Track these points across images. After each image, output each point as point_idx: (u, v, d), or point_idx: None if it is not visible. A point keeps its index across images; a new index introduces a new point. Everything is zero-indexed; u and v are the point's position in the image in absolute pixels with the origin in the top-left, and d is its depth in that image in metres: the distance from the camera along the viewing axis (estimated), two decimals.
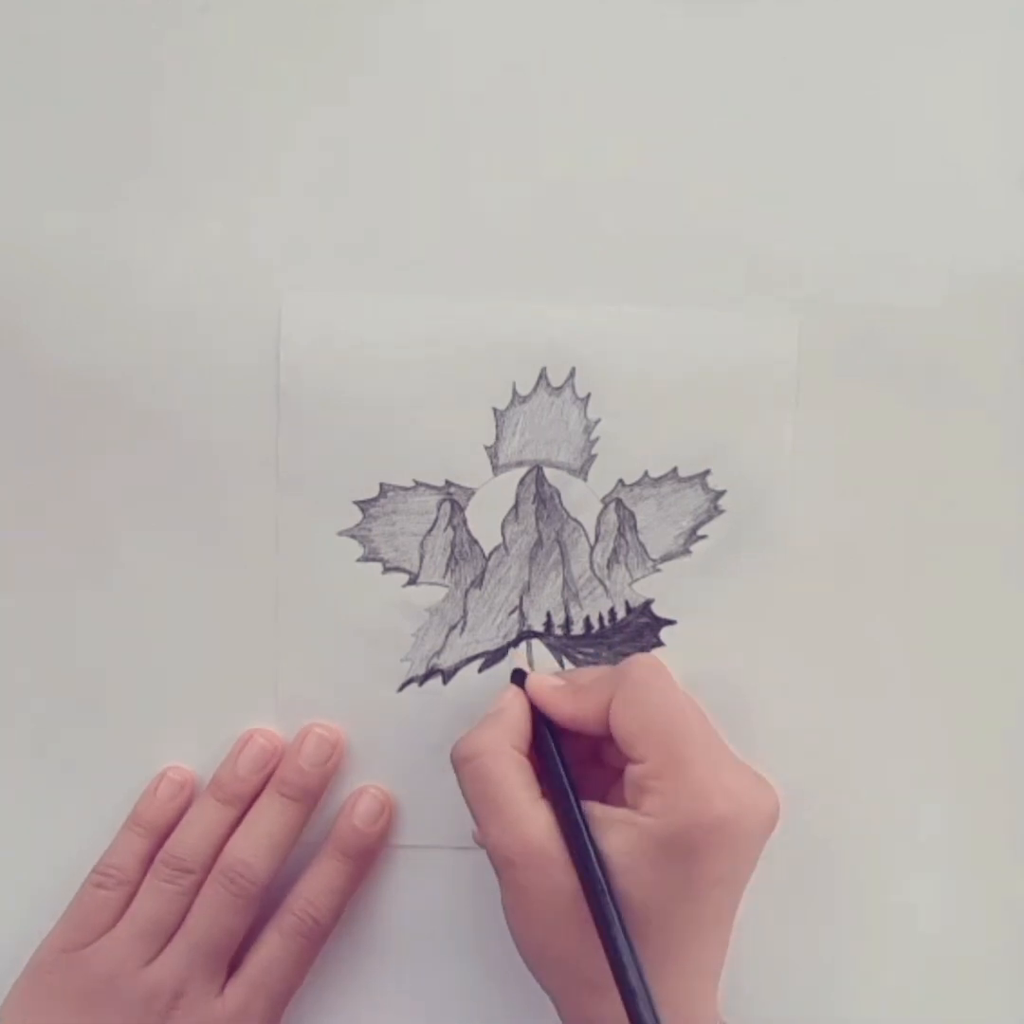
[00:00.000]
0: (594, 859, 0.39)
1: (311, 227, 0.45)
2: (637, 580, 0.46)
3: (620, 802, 0.40)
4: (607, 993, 0.38)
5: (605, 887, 0.38)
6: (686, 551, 0.46)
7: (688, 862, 0.39)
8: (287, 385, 0.45)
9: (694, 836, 0.38)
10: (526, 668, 0.45)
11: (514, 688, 0.43)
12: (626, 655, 0.46)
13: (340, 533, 0.46)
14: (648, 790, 0.39)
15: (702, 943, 0.40)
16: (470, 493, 0.46)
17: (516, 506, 0.46)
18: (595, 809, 0.40)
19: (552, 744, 0.42)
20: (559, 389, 0.46)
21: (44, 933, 0.44)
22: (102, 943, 0.44)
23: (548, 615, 0.46)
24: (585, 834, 0.39)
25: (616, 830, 0.39)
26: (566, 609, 0.46)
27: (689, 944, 0.40)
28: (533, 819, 0.40)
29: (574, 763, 0.42)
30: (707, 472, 0.46)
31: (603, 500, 0.46)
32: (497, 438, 0.46)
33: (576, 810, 0.40)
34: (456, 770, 0.41)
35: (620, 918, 0.38)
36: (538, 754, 0.42)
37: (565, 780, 0.41)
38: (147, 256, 0.45)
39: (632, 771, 0.40)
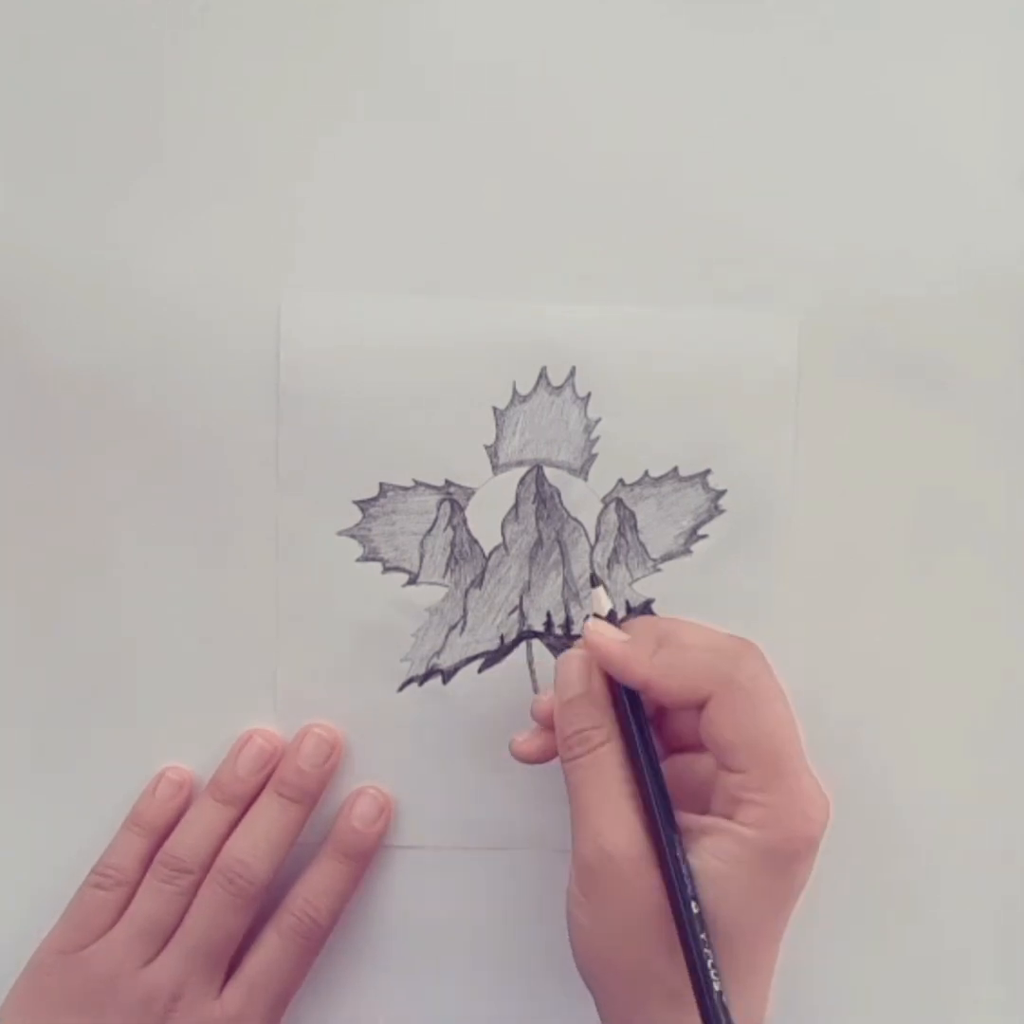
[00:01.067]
0: (686, 870, 0.38)
1: (311, 227, 0.45)
2: (637, 580, 0.46)
3: (681, 781, 0.40)
4: (683, 1004, 0.37)
5: (692, 896, 0.37)
6: (686, 551, 0.46)
7: (783, 875, 0.38)
8: (287, 385, 0.45)
9: (795, 849, 0.38)
10: (604, 609, 0.41)
11: (583, 658, 0.40)
12: None
13: (340, 533, 0.46)
14: (747, 802, 0.38)
15: (773, 953, 0.40)
16: (470, 493, 0.46)
17: (516, 506, 0.46)
18: (684, 817, 0.39)
19: (649, 742, 0.39)
20: (559, 389, 0.46)
21: (43, 933, 0.44)
22: (100, 944, 0.44)
23: (548, 615, 0.46)
24: (679, 845, 0.38)
25: (710, 838, 0.38)
26: (566, 609, 0.46)
27: (770, 954, 0.39)
28: (637, 819, 0.38)
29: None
30: (707, 472, 0.46)
31: (603, 500, 0.46)
32: (497, 438, 0.46)
33: (671, 817, 0.38)
34: (575, 756, 0.39)
35: (705, 927, 0.37)
36: (622, 738, 0.40)
37: (658, 785, 0.39)
38: (147, 256, 0.45)
39: (728, 780, 0.38)
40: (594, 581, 0.42)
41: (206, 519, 0.46)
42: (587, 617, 0.41)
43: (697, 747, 0.41)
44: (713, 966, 0.37)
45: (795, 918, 0.46)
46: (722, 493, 0.46)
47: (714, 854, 0.38)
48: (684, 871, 0.38)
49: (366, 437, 0.45)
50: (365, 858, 0.45)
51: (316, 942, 0.45)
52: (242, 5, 0.45)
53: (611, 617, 0.41)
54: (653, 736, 0.41)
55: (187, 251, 0.45)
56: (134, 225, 0.45)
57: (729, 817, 0.38)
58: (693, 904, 0.37)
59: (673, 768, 0.42)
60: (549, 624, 0.46)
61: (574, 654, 0.41)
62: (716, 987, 0.37)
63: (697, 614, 0.46)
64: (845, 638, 0.46)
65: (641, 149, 0.46)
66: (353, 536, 0.46)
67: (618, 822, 0.38)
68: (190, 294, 0.45)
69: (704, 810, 0.39)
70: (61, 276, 0.45)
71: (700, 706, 0.39)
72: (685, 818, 0.39)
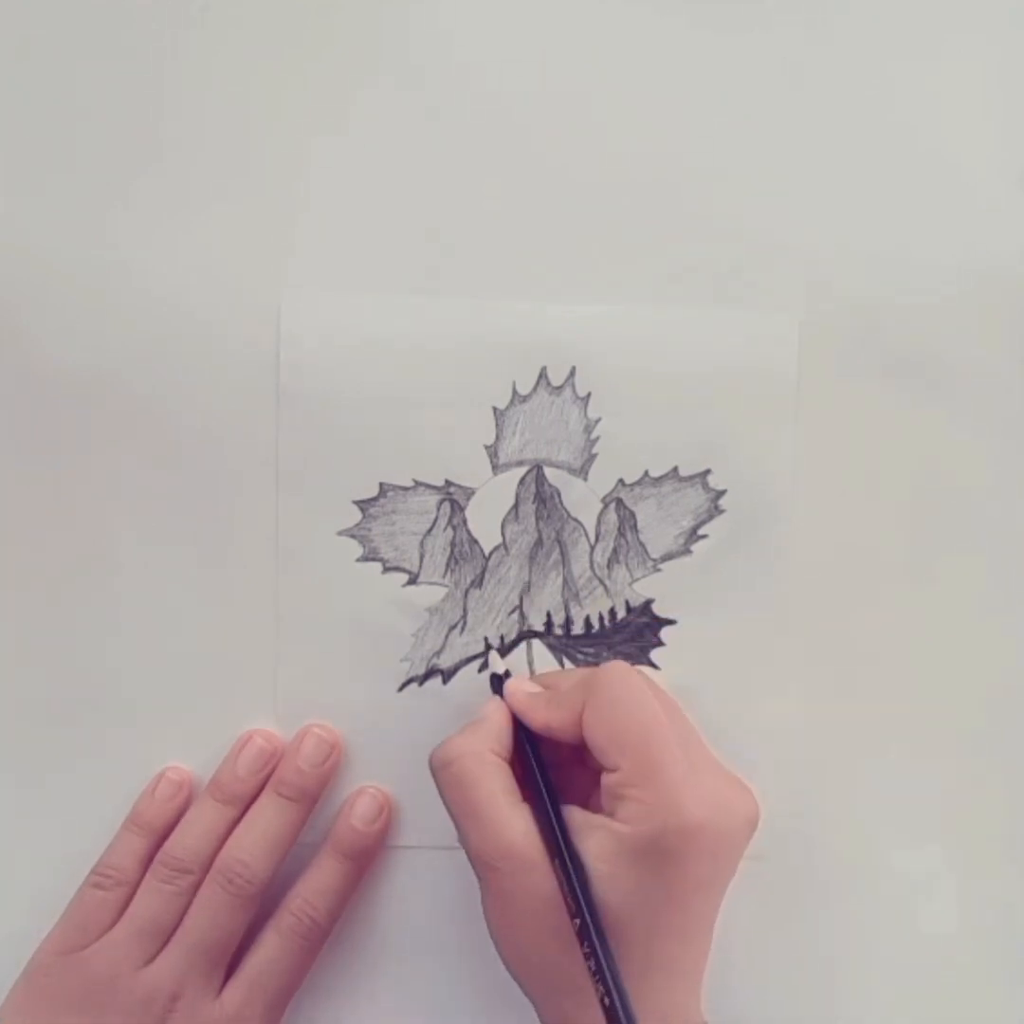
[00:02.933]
0: (571, 863, 0.39)
1: (311, 227, 0.45)
2: (637, 580, 0.46)
3: (600, 808, 0.40)
4: (588, 998, 0.38)
5: (581, 891, 0.38)
6: (686, 551, 0.46)
7: (665, 868, 0.39)
8: (287, 385, 0.45)
9: (670, 842, 0.38)
10: (499, 671, 0.45)
11: (497, 698, 0.44)
12: (626, 655, 0.46)
13: (340, 533, 0.46)
14: (623, 798, 0.39)
15: (684, 948, 0.40)
16: (470, 493, 0.46)
17: (516, 506, 0.46)
18: (575, 815, 0.40)
19: (529, 749, 0.42)
20: (559, 388, 0.46)
21: (43, 933, 0.44)
22: (100, 944, 0.44)
23: (548, 615, 0.46)
24: (562, 838, 0.39)
25: (594, 836, 0.39)
26: (566, 609, 0.46)
27: (671, 949, 0.40)
28: (513, 823, 0.40)
29: (559, 767, 0.42)
30: (707, 472, 0.46)
31: (603, 500, 0.46)
32: (497, 438, 0.46)
33: (553, 814, 0.40)
34: (435, 776, 0.42)
35: (597, 921, 0.38)
36: (518, 762, 0.42)
37: (542, 785, 0.41)
38: (147, 256, 0.45)
39: (607, 779, 0.40)
40: (487, 647, 0.46)
41: (206, 519, 0.46)
42: (493, 679, 0.44)
43: None
44: (604, 956, 0.38)
45: (793, 920, 0.47)
46: (722, 493, 0.46)
47: (595, 852, 0.39)
48: (570, 862, 0.39)
49: (366, 437, 0.45)
50: (365, 858, 0.45)
51: (316, 942, 0.45)
52: (242, 5, 0.45)
53: (506, 675, 0.44)
54: (582, 770, 0.42)
55: (187, 251, 0.45)
56: (134, 225, 0.45)
57: (612, 815, 0.39)
58: (579, 898, 0.38)
59: (579, 787, 0.42)
60: (549, 624, 0.46)
61: (491, 697, 0.44)
62: (609, 978, 0.37)
63: (697, 614, 0.46)
64: (845, 638, 0.46)
65: (641, 149, 0.46)
66: (353, 536, 0.46)
67: (494, 832, 0.40)
68: (190, 294, 0.45)
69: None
70: (61, 276, 0.45)
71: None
72: (577, 817, 0.40)
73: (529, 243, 0.46)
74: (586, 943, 0.38)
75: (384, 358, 0.45)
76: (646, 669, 0.46)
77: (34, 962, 0.44)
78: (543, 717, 0.42)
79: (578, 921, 0.38)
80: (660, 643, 0.46)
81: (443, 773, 0.41)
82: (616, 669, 0.42)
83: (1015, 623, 0.47)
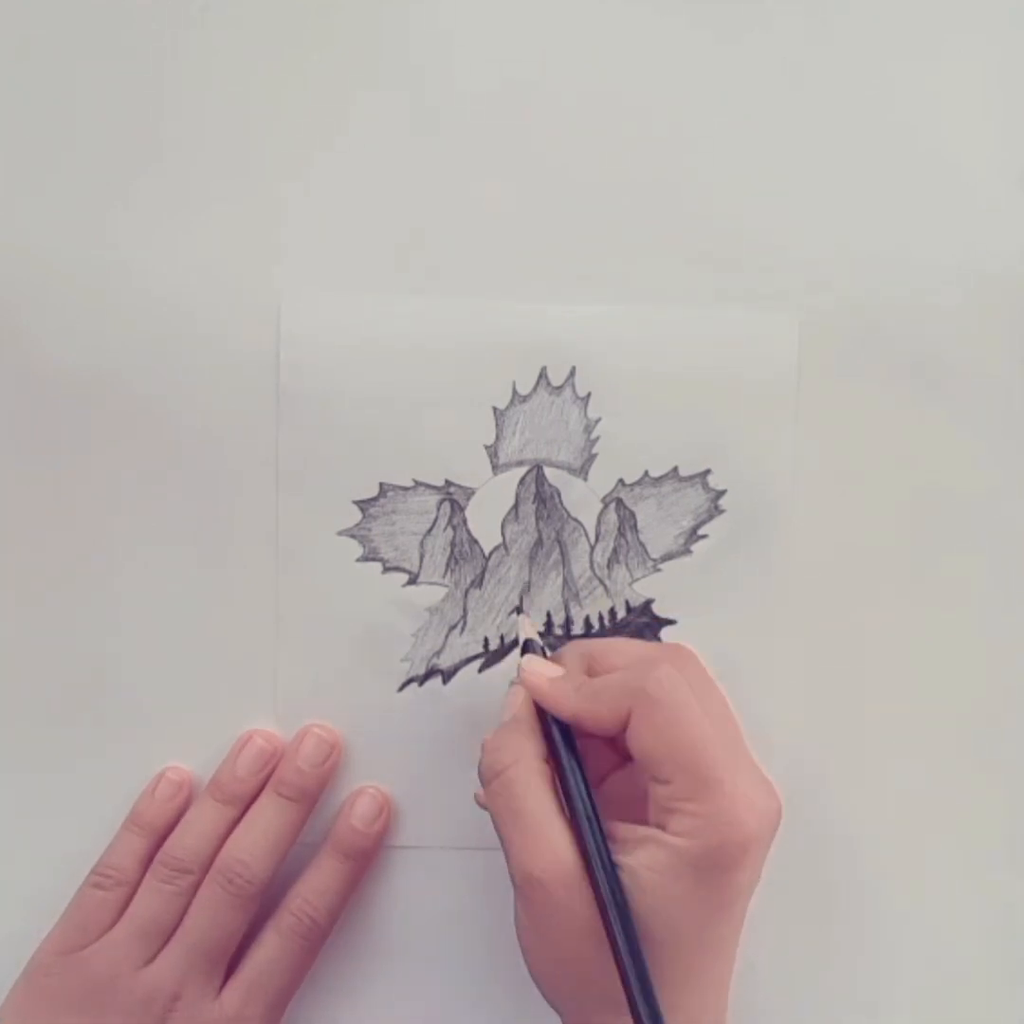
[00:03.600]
0: (616, 880, 0.38)
1: (311, 227, 0.45)
2: (637, 580, 0.46)
3: (630, 795, 0.40)
4: (625, 1012, 0.37)
5: (617, 909, 0.37)
6: (686, 551, 0.46)
7: (719, 880, 0.38)
8: (287, 385, 0.45)
9: (727, 855, 0.38)
10: (533, 637, 0.43)
11: (525, 690, 0.41)
12: None
13: (340, 533, 0.46)
14: (675, 811, 0.38)
15: (719, 958, 0.40)
16: (470, 493, 0.46)
17: (516, 506, 0.46)
18: (618, 828, 0.39)
19: (571, 761, 0.40)
20: (559, 388, 0.46)
21: (43, 933, 0.44)
22: (100, 945, 0.44)
23: (548, 615, 0.46)
24: (608, 859, 0.38)
25: (644, 849, 0.38)
26: (566, 609, 0.46)
27: (712, 959, 0.39)
28: (562, 837, 0.38)
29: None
30: (707, 472, 0.46)
31: (603, 500, 0.46)
32: (497, 438, 0.46)
33: (599, 833, 0.38)
34: (486, 783, 0.40)
35: (634, 936, 0.37)
36: (552, 761, 0.40)
37: (587, 800, 0.39)
38: (147, 256, 0.45)
39: (657, 791, 0.38)
40: (517, 610, 0.44)
41: (206, 519, 0.46)
42: (523, 646, 0.42)
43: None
44: (645, 975, 0.37)
45: (792, 920, 0.47)
46: (722, 493, 0.46)
47: (646, 864, 0.38)
48: (608, 880, 0.37)
49: (366, 437, 0.45)
50: (365, 858, 0.45)
51: (315, 942, 0.45)
52: (242, 5, 0.45)
53: (536, 643, 0.42)
54: (605, 747, 0.41)
55: (187, 251, 0.45)
56: (134, 225, 0.45)
57: (662, 827, 0.38)
58: (617, 912, 0.37)
59: (618, 782, 0.42)
60: (549, 624, 0.46)
61: (518, 686, 0.42)
62: (648, 1000, 0.36)
63: (697, 614, 0.46)
64: (845, 637, 0.46)
65: (641, 149, 0.46)
66: (353, 536, 0.46)
67: (540, 845, 0.38)
68: (190, 294, 0.45)
69: (645, 821, 0.39)
70: (61, 276, 0.45)
71: (625, 730, 0.39)
72: (621, 829, 0.39)
73: (529, 243, 0.46)
74: (623, 959, 0.37)
75: (384, 358, 0.45)
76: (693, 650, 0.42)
77: (34, 962, 0.44)
78: (571, 708, 0.40)
79: (615, 936, 0.37)
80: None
81: (494, 783, 0.39)
82: (666, 678, 0.39)
83: (1015, 623, 0.47)
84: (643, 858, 0.38)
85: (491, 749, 0.40)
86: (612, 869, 0.38)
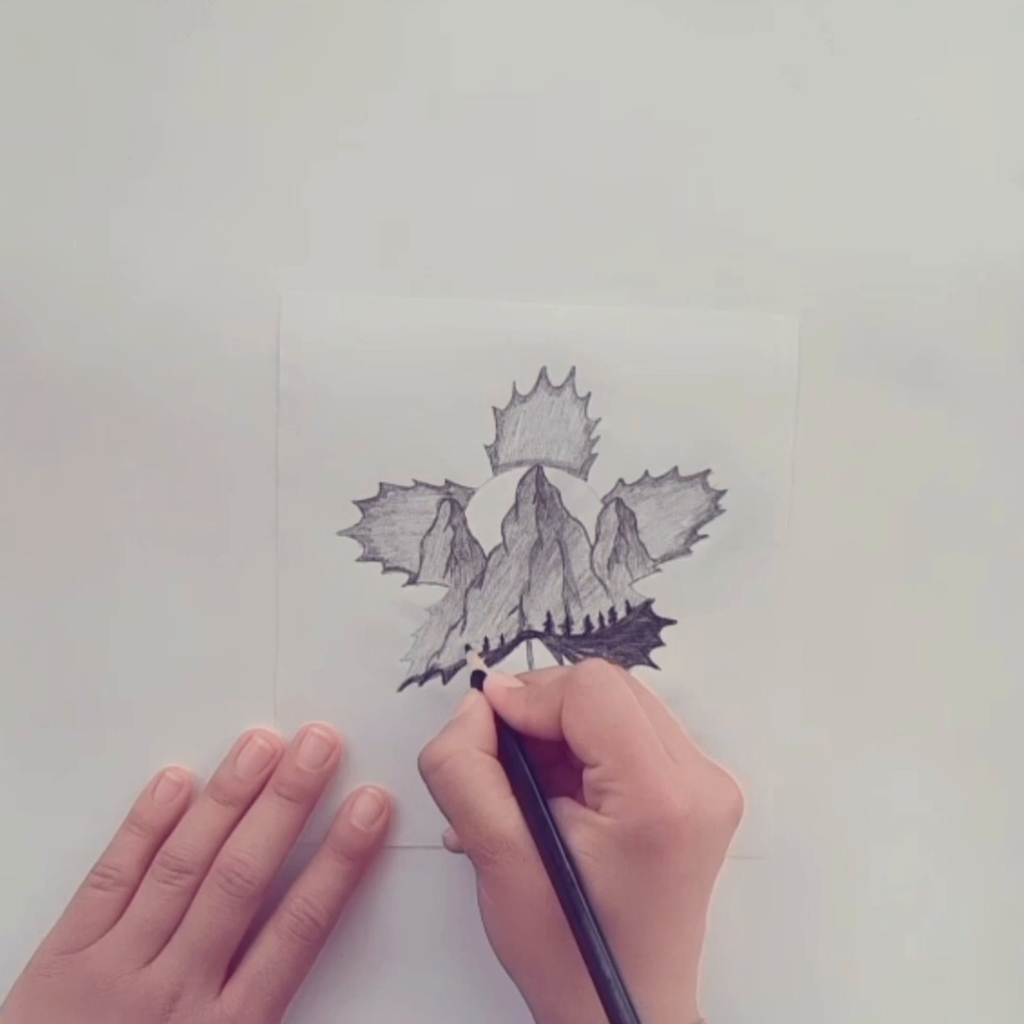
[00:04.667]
0: (562, 852, 0.39)
1: (311, 227, 0.45)
2: (637, 580, 0.46)
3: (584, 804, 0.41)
4: (582, 994, 0.38)
5: (574, 879, 0.38)
6: (686, 551, 0.46)
7: (650, 860, 0.39)
8: (287, 385, 0.45)
9: (654, 833, 0.39)
10: (483, 670, 0.45)
11: (475, 692, 0.43)
12: (626, 655, 0.46)
13: (340, 533, 0.46)
14: (604, 792, 0.39)
15: (674, 940, 0.40)
16: (470, 493, 0.46)
17: (516, 506, 0.46)
18: (563, 807, 0.40)
19: (513, 744, 0.42)
20: (559, 388, 0.46)
21: (43, 933, 0.44)
22: (100, 944, 0.44)
23: (548, 615, 0.46)
24: (552, 828, 0.39)
25: (579, 829, 0.39)
26: (566, 609, 0.46)
27: (662, 942, 0.40)
28: (505, 816, 0.40)
29: (544, 765, 0.42)
30: (707, 472, 0.46)
31: (603, 500, 0.46)
32: (497, 438, 0.46)
33: (542, 805, 0.40)
34: (425, 778, 0.42)
35: (591, 910, 0.38)
36: (504, 756, 0.42)
37: (529, 777, 0.41)
38: (147, 256, 0.45)
39: (588, 774, 0.40)
40: (467, 647, 0.46)
41: (206, 519, 0.46)
42: (474, 677, 0.44)
43: None
44: (605, 943, 0.38)
45: (790, 919, 0.47)
46: (722, 493, 0.46)
47: (582, 843, 0.39)
48: (561, 850, 0.39)
49: (366, 437, 0.45)
50: (365, 858, 0.45)
51: (315, 942, 0.45)
52: (243, 6, 0.45)
53: (485, 674, 0.44)
54: (567, 767, 0.42)
55: (187, 251, 0.45)
56: (134, 225, 0.45)
57: (595, 808, 0.40)
58: (575, 886, 0.38)
59: (569, 780, 0.42)
60: (549, 624, 0.46)
61: (470, 691, 0.44)
62: (606, 966, 0.38)
63: (697, 614, 0.46)
64: (845, 637, 0.46)
65: (641, 149, 0.46)
66: (353, 536, 0.46)
67: (486, 828, 0.40)
68: (190, 294, 0.45)
69: None
70: (61, 276, 0.45)
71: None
72: (565, 807, 0.40)
73: (529, 243, 0.46)
74: (579, 929, 0.38)
75: (384, 358, 0.45)
76: (639, 668, 0.46)
77: (34, 962, 0.44)
78: (521, 713, 0.42)
79: (569, 908, 0.38)
80: (660, 643, 0.46)
81: (434, 775, 0.41)
82: (592, 666, 0.41)
83: (1015, 623, 0.47)
84: (578, 837, 0.39)
85: (428, 746, 0.42)
86: (560, 844, 0.39)
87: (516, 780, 0.41)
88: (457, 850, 0.42)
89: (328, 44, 0.45)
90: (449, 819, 0.41)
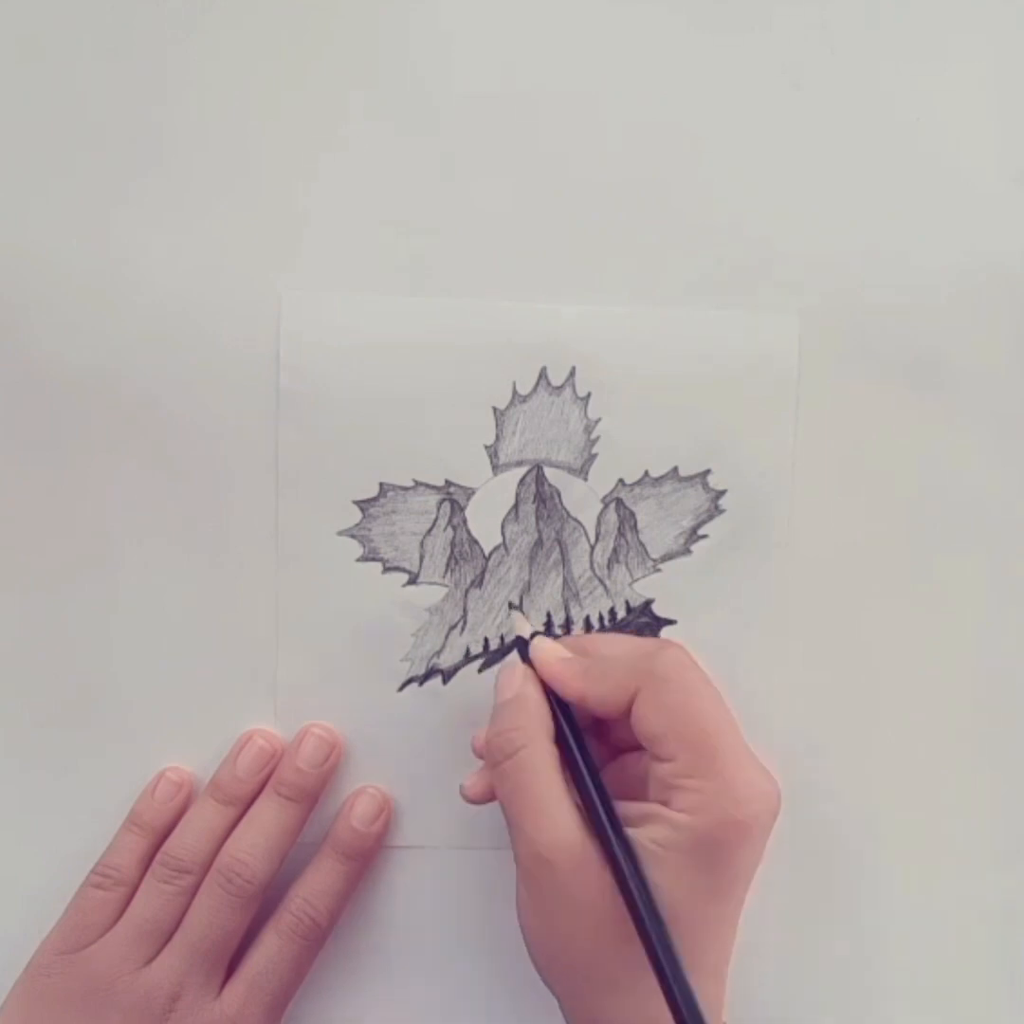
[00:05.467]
0: (634, 858, 0.38)
1: (311, 227, 0.45)
2: (637, 580, 0.46)
3: (624, 781, 0.40)
4: (627, 992, 0.38)
5: (641, 880, 0.37)
6: (686, 551, 0.46)
7: (720, 860, 0.38)
8: (287, 385, 0.45)
9: (728, 834, 0.38)
10: (525, 635, 0.43)
11: (523, 667, 0.42)
12: None
13: (340, 533, 0.46)
14: (679, 788, 0.38)
15: (720, 942, 0.40)
16: (470, 493, 0.46)
17: (516, 506, 0.46)
18: (620, 806, 0.39)
19: (571, 734, 0.40)
20: (559, 388, 0.46)
21: (43, 933, 0.44)
22: (100, 944, 0.44)
23: (548, 615, 0.46)
24: (621, 833, 0.38)
25: (646, 826, 0.38)
26: (566, 609, 0.46)
27: (710, 943, 0.39)
28: (571, 817, 0.39)
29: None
30: (708, 472, 0.46)
31: (603, 500, 0.46)
32: (497, 438, 0.46)
33: (609, 811, 0.39)
34: (493, 766, 0.40)
35: (657, 911, 0.37)
36: (560, 744, 0.40)
37: (593, 779, 0.39)
38: (147, 256, 0.45)
39: (659, 768, 0.39)
40: (511, 606, 0.45)
41: (206, 519, 0.46)
42: (534, 635, 0.42)
43: (637, 747, 0.41)
44: (665, 947, 0.37)
45: (790, 919, 0.47)
46: (722, 493, 0.46)
47: (648, 840, 0.38)
48: (629, 858, 0.38)
49: (366, 437, 0.45)
50: (364, 858, 0.45)
51: (315, 942, 0.45)
52: (243, 5, 0.45)
53: (532, 638, 0.42)
54: (596, 740, 0.42)
55: (187, 251, 0.45)
56: (134, 225, 0.45)
57: (665, 803, 0.38)
58: (639, 883, 0.37)
59: (617, 767, 0.42)
60: (549, 624, 0.46)
61: (513, 663, 0.42)
62: (680, 974, 0.37)
63: (697, 614, 0.46)
64: (845, 637, 0.46)
65: (641, 149, 0.46)
66: (353, 536, 0.46)
67: (551, 824, 0.38)
68: (190, 294, 0.45)
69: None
70: (61, 276, 0.45)
71: (630, 710, 0.40)
72: (622, 807, 0.39)
73: (529, 243, 0.46)
74: (647, 934, 0.37)
75: (384, 358, 0.45)
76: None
77: (34, 962, 0.44)
78: (579, 687, 0.40)
79: (641, 915, 0.37)
80: None
81: (506, 763, 0.40)
82: (673, 655, 0.40)
83: (1015, 622, 0.47)
84: (644, 833, 0.38)
85: (504, 729, 0.40)
86: (628, 844, 0.38)
87: (574, 775, 0.40)
88: (472, 800, 0.41)
89: (328, 44, 0.45)
90: (507, 811, 0.39)
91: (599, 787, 0.39)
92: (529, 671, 0.42)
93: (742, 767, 0.39)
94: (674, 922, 0.38)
